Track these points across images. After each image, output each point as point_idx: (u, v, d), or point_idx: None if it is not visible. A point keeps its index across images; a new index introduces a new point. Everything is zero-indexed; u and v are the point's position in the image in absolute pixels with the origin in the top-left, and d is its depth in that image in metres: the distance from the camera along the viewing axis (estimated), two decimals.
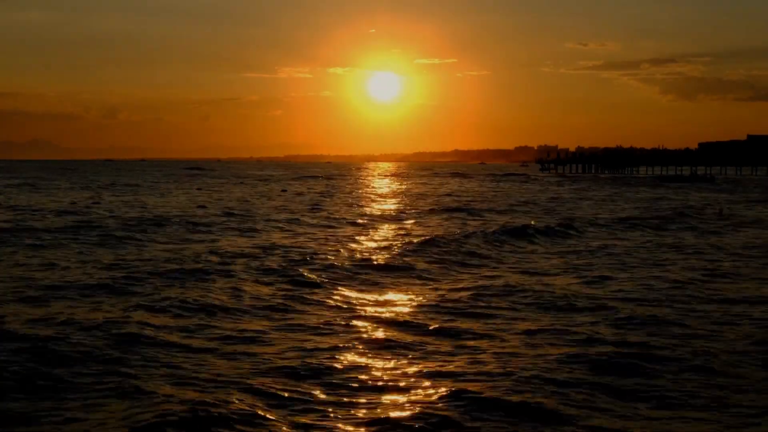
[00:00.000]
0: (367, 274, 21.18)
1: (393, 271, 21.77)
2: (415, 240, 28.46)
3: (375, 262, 23.04)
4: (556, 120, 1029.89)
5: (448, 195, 70.22)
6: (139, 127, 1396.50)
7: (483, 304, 16.94)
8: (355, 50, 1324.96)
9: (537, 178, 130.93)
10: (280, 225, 36.39)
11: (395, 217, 42.37)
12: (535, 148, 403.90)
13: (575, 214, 43.58)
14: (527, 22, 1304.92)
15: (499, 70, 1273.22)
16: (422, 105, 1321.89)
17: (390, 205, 53.57)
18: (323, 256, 24.14)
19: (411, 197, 66.12)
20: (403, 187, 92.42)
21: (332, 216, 42.45)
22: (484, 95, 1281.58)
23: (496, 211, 47.36)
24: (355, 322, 15.01)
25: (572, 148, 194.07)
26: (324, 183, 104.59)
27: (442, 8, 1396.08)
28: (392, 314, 15.90)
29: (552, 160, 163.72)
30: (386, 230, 34.65)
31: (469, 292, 18.36)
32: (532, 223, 35.61)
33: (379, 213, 46.05)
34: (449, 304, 16.87)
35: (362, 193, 75.54)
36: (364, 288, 19.17)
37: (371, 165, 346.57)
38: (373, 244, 28.27)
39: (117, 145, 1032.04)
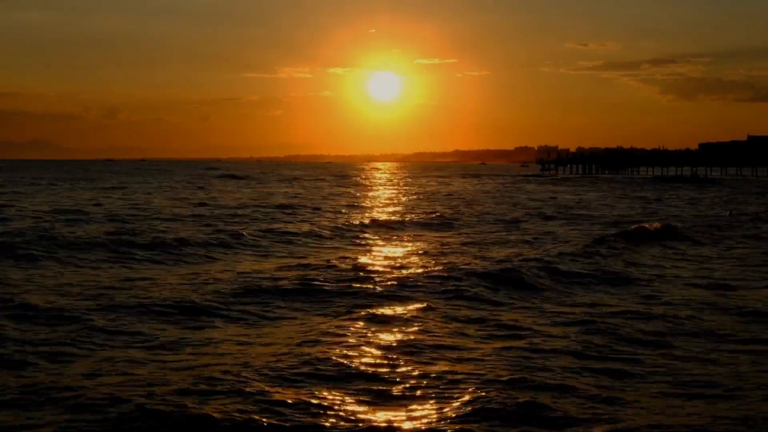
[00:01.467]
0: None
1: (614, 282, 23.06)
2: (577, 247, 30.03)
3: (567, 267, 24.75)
4: (556, 120, 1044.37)
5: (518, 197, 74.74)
6: (139, 127, 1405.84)
7: None
8: (355, 50, 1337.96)
9: (567, 178, 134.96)
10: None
11: (510, 222, 44.96)
12: (536, 148, 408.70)
13: (679, 216, 47.40)
14: (527, 22, 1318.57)
15: (499, 70, 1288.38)
16: (422, 105, 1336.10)
17: (486, 208, 55.80)
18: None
19: (484, 198, 69.67)
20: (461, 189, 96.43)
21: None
22: (484, 95, 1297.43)
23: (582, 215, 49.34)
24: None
25: (572, 149, 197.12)
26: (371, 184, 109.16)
27: (442, 8, 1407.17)
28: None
29: (552, 161, 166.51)
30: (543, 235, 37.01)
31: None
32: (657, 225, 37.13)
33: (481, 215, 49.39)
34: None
35: (426, 196, 79.45)
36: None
37: (380, 165, 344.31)
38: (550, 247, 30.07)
39: (117, 145, 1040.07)
